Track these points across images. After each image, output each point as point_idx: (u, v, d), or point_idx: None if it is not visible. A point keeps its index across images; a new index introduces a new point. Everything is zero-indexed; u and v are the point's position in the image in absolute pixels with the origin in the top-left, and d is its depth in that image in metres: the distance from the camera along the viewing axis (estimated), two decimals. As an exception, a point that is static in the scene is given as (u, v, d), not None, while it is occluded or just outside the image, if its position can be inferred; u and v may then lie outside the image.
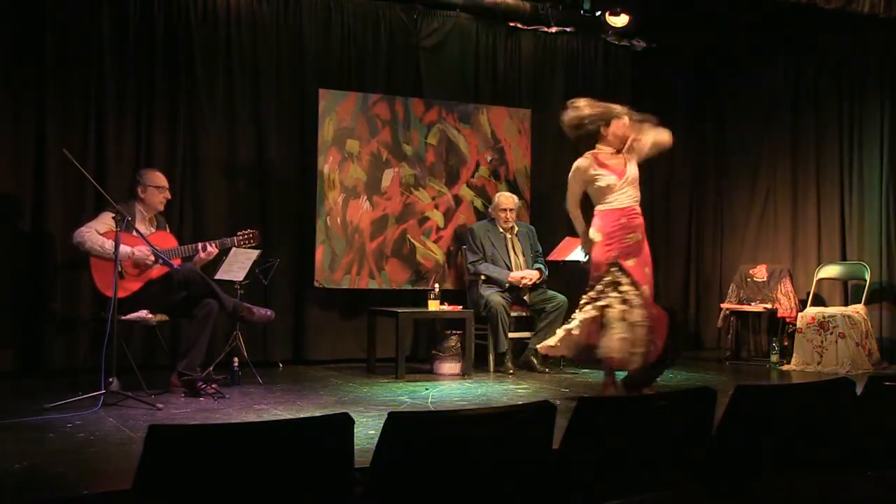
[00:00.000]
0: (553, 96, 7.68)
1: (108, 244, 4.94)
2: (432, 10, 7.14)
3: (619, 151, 5.17)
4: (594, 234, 5.05)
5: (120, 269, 4.84)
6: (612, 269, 4.97)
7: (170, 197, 5.47)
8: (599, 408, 2.72)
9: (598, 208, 5.13)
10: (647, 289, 4.98)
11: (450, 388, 5.54)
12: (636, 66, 7.85)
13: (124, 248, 4.89)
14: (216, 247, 5.37)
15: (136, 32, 6.12)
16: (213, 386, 5.01)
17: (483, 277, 6.48)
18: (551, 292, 6.51)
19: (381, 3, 6.95)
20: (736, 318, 7.38)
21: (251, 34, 6.52)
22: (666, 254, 8.20)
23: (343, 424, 2.29)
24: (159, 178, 5.38)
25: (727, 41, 7.93)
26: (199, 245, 5.34)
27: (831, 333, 6.53)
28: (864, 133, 7.13)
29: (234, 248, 5.59)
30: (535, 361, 6.33)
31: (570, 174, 5.20)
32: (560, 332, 5.12)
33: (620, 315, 4.86)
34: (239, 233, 5.50)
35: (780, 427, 3.02)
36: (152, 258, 5.09)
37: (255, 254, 5.73)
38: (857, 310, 6.65)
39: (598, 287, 4.97)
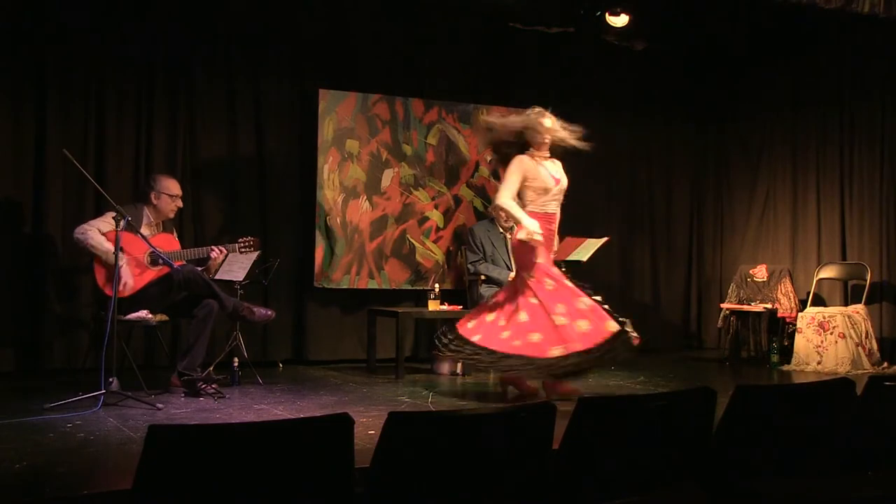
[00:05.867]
0: (553, 96, 7.67)
1: (108, 245, 4.96)
2: (432, 10, 7.14)
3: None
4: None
5: (121, 267, 4.84)
6: None
7: (181, 205, 5.46)
8: (599, 408, 2.72)
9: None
10: None
11: (450, 388, 5.54)
12: (636, 66, 7.86)
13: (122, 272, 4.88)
14: (221, 253, 5.40)
15: (136, 32, 6.12)
16: (213, 386, 5.01)
17: (483, 277, 6.48)
18: (551, 292, 6.50)
19: (381, 3, 6.94)
20: (736, 318, 7.37)
21: (251, 33, 6.52)
22: (666, 254, 8.21)
23: (343, 424, 2.29)
24: (174, 187, 5.38)
25: (727, 41, 7.93)
26: (210, 248, 5.35)
27: (831, 333, 6.53)
28: (864, 133, 7.13)
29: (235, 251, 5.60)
30: (535, 361, 6.33)
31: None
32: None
33: None
34: (240, 240, 5.51)
35: (780, 427, 3.02)
36: (131, 282, 5.06)
37: (255, 254, 5.73)
38: (857, 310, 6.65)
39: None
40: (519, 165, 5.02)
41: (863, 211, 7.09)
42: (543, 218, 5.04)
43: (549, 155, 5.15)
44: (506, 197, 4.99)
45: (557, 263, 6.88)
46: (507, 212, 5.16)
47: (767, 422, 2.99)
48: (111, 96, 6.04)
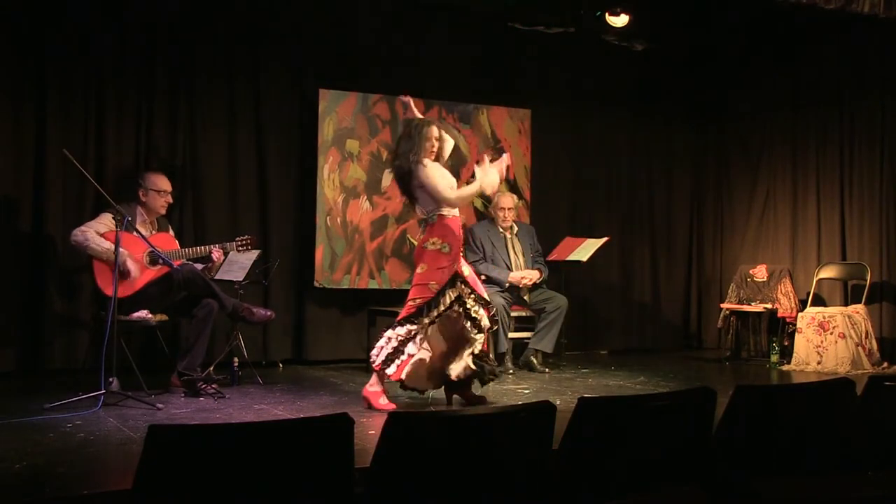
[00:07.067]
0: (553, 96, 7.68)
1: (107, 244, 4.97)
2: (432, 9, 7.14)
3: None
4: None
5: (121, 269, 4.85)
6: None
7: (171, 201, 5.48)
8: (599, 408, 2.72)
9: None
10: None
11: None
12: (636, 66, 7.86)
13: (121, 251, 4.88)
14: (221, 252, 5.42)
15: (137, 32, 6.12)
16: (213, 386, 5.01)
17: (483, 277, 6.47)
18: (551, 292, 6.51)
19: (381, 3, 6.94)
20: (736, 318, 7.38)
21: (251, 33, 6.53)
22: (666, 254, 8.22)
23: (343, 424, 2.29)
24: (161, 182, 5.39)
25: (727, 41, 7.93)
26: (208, 248, 5.37)
27: (831, 333, 6.53)
28: (864, 133, 7.13)
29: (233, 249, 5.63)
30: (535, 361, 6.34)
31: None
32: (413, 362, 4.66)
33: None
34: (237, 238, 5.54)
35: (780, 427, 3.02)
36: (137, 273, 5.07)
37: (255, 254, 5.74)
38: (857, 310, 6.65)
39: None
40: (434, 168, 4.73)
41: (863, 211, 7.09)
42: (458, 222, 4.80)
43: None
44: (449, 193, 4.69)
45: (557, 263, 6.92)
46: (461, 198, 4.78)
47: (767, 422, 2.99)
48: (111, 96, 6.04)
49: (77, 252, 5.17)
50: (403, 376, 4.62)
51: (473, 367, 4.71)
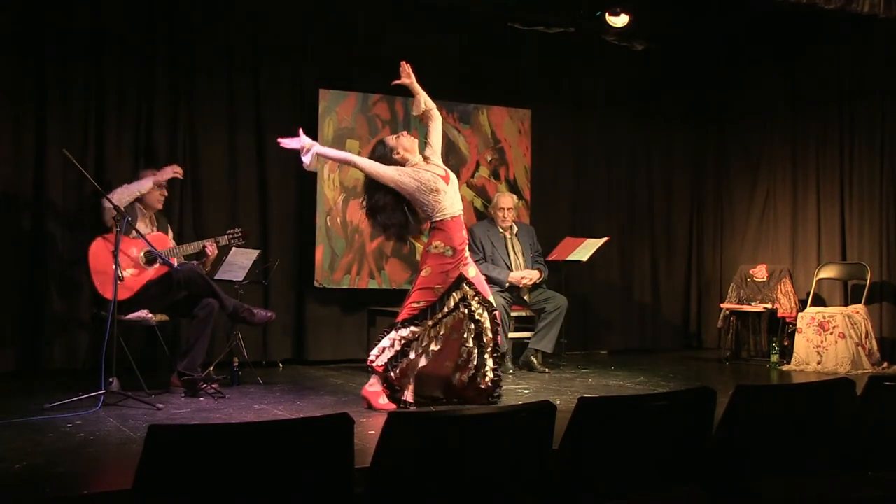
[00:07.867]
0: (553, 96, 7.68)
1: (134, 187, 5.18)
2: (432, 9, 7.14)
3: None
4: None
5: (119, 273, 4.84)
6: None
7: (167, 194, 5.49)
8: (599, 408, 2.72)
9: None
10: None
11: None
12: (636, 66, 7.86)
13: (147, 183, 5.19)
14: (215, 245, 5.42)
15: (137, 32, 6.12)
16: (213, 386, 5.01)
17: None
18: (551, 292, 6.51)
19: (381, 3, 6.94)
20: (736, 318, 7.37)
21: (251, 33, 6.53)
22: (666, 254, 8.22)
23: (343, 424, 2.29)
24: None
25: (727, 41, 7.93)
26: (202, 243, 5.38)
27: (831, 333, 6.53)
28: (863, 133, 7.13)
29: (234, 249, 5.63)
30: (535, 361, 6.33)
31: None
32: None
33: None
34: (228, 231, 5.57)
35: (780, 427, 3.02)
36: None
37: (255, 254, 5.74)
38: (857, 310, 6.65)
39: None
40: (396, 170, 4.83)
41: (863, 211, 7.09)
42: (459, 223, 4.82)
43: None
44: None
45: (557, 263, 6.92)
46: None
47: (767, 422, 2.99)
48: (111, 96, 6.04)
49: (80, 251, 5.17)
50: (409, 392, 4.66)
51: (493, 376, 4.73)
